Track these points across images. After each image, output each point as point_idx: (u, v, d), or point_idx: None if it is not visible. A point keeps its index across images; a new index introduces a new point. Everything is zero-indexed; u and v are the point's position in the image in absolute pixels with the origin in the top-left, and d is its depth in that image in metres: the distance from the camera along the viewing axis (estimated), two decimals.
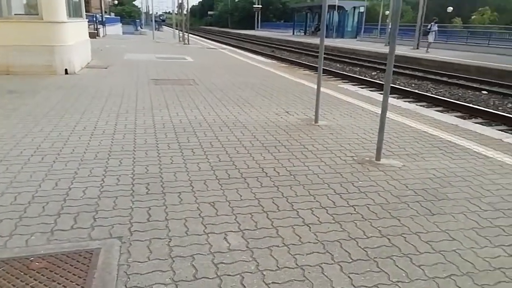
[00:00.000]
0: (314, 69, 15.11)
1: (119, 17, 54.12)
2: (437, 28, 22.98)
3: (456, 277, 2.12)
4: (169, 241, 2.35)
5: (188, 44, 23.12)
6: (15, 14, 8.73)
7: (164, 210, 2.73)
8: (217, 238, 2.41)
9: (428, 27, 22.47)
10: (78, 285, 1.91)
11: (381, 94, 3.92)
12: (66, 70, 8.85)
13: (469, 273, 2.16)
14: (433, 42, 22.54)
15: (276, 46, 30.69)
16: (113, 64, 11.25)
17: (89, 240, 2.32)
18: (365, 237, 2.49)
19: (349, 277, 2.09)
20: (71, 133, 4.44)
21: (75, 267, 2.05)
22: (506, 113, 8.15)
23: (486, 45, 23.59)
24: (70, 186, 3.04)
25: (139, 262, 2.14)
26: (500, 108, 9.35)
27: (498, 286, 2.06)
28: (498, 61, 16.92)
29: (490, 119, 7.73)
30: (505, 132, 6.07)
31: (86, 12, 12.83)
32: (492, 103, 9.98)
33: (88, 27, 14.24)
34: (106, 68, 10.43)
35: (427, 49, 22.08)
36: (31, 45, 8.43)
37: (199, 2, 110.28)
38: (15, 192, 2.91)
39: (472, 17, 40.54)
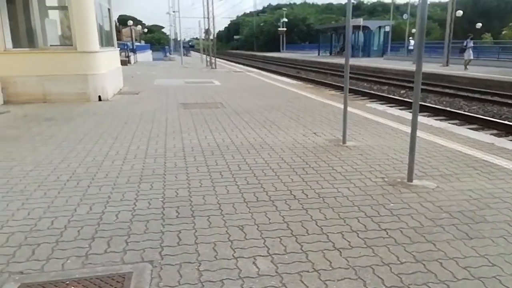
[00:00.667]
0: (341, 89, 15.06)
1: (149, 45, 56.28)
2: (472, 45, 22.35)
3: None
4: (199, 266, 2.36)
5: (215, 68, 23.65)
6: (51, 45, 9.25)
7: (193, 234, 2.75)
8: (246, 262, 2.40)
9: (464, 44, 21.73)
10: None
11: (411, 112, 3.85)
12: (99, 97, 9.22)
13: None
14: (472, 59, 21.84)
15: (302, 67, 30.91)
16: (144, 90, 11.62)
17: (121, 264, 2.36)
18: (398, 262, 2.41)
19: None
20: (104, 158, 4.59)
21: None
22: None
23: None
24: (103, 210, 3.13)
25: (169, 286, 2.15)
26: None
27: None
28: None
29: None
30: None
31: (117, 40, 13.44)
32: None
33: (120, 55, 14.86)
34: (137, 94, 10.79)
35: (465, 67, 21.21)
36: (66, 74, 8.87)
37: (225, 27, 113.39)
38: (52, 217, 3.01)
39: (503, 33, 39.50)
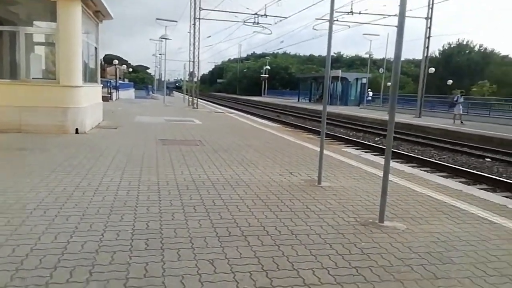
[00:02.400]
0: (318, 133, 15.32)
1: (132, 83, 56.74)
2: (463, 100, 22.30)
3: None
4: None
5: (197, 108, 23.90)
6: (33, 78, 9.24)
7: (161, 266, 2.68)
8: None
9: (455, 99, 21.77)
10: None
11: (384, 158, 3.99)
12: (76, 129, 9.13)
13: None
14: (462, 114, 21.80)
15: (282, 111, 31.58)
16: (123, 125, 11.58)
17: None
18: None
19: None
20: (75, 189, 4.48)
21: None
22: (511, 180, 8.11)
23: (487, 115, 24.11)
24: (69, 240, 3.03)
25: None
26: (504, 175, 9.32)
27: None
28: (499, 131, 17.17)
29: (495, 186, 7.68)
30: (509, 198, 6.01)
31: (101, 77, 13.53)
32: (496, 170, 9.97)
33: (102, 91, 14.90)
34: (115, 128, 10.73)
35: (458, 121, 21.13)
36: (45, 106, 8.80)
37: (209, 71, 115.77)
38: (14, 245, 2.89)
39: (472, 89, 41.82)
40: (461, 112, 21.62)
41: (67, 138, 8.43)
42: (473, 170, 9.29)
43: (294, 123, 20.86)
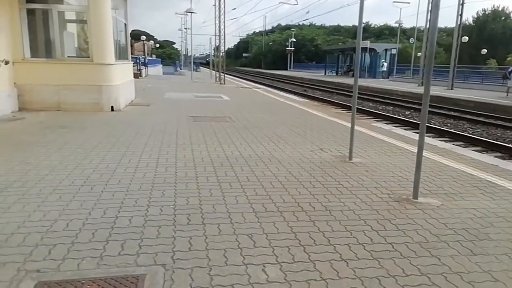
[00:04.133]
0: (347, 107, 15.22)
1: (160, 59, 57.15)
2: None
3: None
4: (210, 270, 2.44)
5: (224, 84, 23.96)
6: (68, 57, 9.52)
7: (204, 240, 2.83)
8: (255, 269, 2.47)
9: (509, 70, 20.61)
10: None
11: (416, 133, 3.97)
12: (112, 107, 9.42)
13: None
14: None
15: (309, 85, 31.20)
16: (155, 102, 11.83)
17: (135, 266, 2.45)
18: (404, 275, 2.48)
19: None
20: (117, 166, 4.71)
21: None
22: None
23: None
24: (117, 215, 3.23)
25: None
26: None
27: None
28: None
29: None
30: None
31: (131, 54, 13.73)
32: None
33: (132, 68, 15.17)
34: (148, 106, 10.98)
35: (507, 94, 20.04)
36: (81, 84, 9.09)
37: (234, 45, 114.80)
38: (67, 219, 3.11)
39: (508, 59, 39.77)
40: None
41: (103, 116, 8.73)
42: (509, 144, 9.01)
43: (321, 97, 20.63)
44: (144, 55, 35.82)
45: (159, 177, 4.29)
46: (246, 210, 3.43)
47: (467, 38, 31.96)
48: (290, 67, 66.15)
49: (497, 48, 44.30)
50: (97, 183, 4.02)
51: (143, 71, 29.88)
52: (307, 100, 16.43)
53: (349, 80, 28.90)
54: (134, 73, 15.19)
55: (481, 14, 51.56)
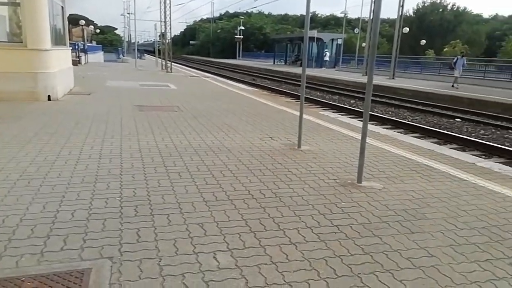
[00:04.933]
0: (295, 96, 15.49)
1: (100, 45, 54.44)
2: (464, 62, 20.95)
3: None
4: (160, 261, 2.39)
5: (171, 72, 23.38)
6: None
7: (153, 231, 2.77)
8: (206, 257, 2.47)
9: (454, 60, 20.83)
10: None
11: (360, 120, 4.14)
12: (49, 96, 8.85)
13: (448, 286, 2.28)
14: (458, 77, 20.46)
15: (258, 74, 31.34)
16: (96, 91, 11.28)
17: (79, 261, 2.34)
18: (349, 254, 2.59)
19: None
20: (56, 158, 4.45)
21: (66, 286, 2.07)
22: (479, 139, 8.53)
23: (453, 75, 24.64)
24: (58, 209, 3.06)
25: (130, 281, 2.17)
26: (473, 134, 9.78)
27: None
28: (468, 91, 17.75)
29: (464, 145, 8.07)
30: (478, 156, 6.39)
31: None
32: (465, 130, 10.43)
33: (71, 55, 14.31)
34: (89, 94, 10.45)
35: (453, 84, 20.15)
36: (14, 72, 8.43)
37: (180, 32, 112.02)
38: (3, 215, 2.90)
39: (444, 50, 42.54)
40: (458, 75, 20.38)
41: (40, 105, 8.18)
42: (444, 130, 9.68)
43: (270, 86, 20.81)
44: (84, 41, 33.95)
45: (103, 169, 4.12)
46: (196, 200, 3.40)
47: (407, 29, 33.62)
48: (239, 56, 65.96)
49: (435, 39, 47.14)
50: (34, 177, 3.77)
51: (83, 58, 28.35)
52: (256, 89, 16.52)
53: (297, 70, 29.42)
54: (72, 60, 14.34)
55: (420, 6, 54.51)
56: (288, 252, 2.57)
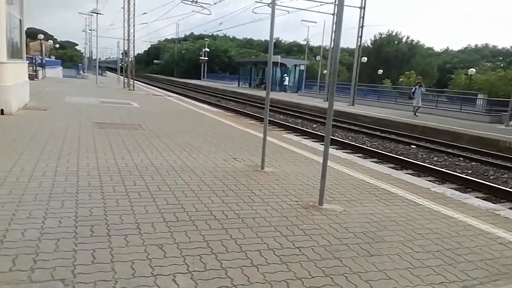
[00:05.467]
0: (259, 119, 15.66)
1: (60, 61, 52.82)
2: (422, 91, 21.04)
3: None
4: (115, 283, 2.29)
5: (133, 90, 22.99)
6: None
7: (109, 252, 2.65)
8: (165, 279, 2.39)
9: (412, 90, 21.09)
10: None
11: (322, 144, 4.24)
12: (2, 110, 8.41)
13: None
14: (420, 106, 20.81)
15: (222, 96, 31.49)
16: (53, 107, 10.87)
17: (29, 283, 2.19)
18: (310, 277, 2.60)
19: None
20: (7, 175, 4.20)
21: None
22: (433, 166, 8.96)
23: (411, 104, 25.93)
24: (7, 228, 2.87)
25: None
26: (427, 161, 10.25)
27: None
28: (422, 119, 18.70)
29: (419, 171, 8.44)
30: (432, 182, 6.69)
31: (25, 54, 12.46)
32: (420, 156, 10.92)
33: (27, 69, 13.78)
34: (45, 110, 10.04)
35: (414, 113, 20.50)
36: None
37: (144, 50, 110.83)
38: None
39: (400, 79, 44.81)
40: (418, 104, 20.67)
41: None
42: (400, 156, 10.10)
43: (235, 108, 20.93)
44: (42, 55, 32.83)
45: (58, 187, 3.93)
46: (156, 220, 3.30)
47: (366, 58, 35.28)
48: (203, 77, 66.07)
49: (391, 69, 49.52)
50: None
51: (40, 72, 27.31)
52: (221, 111, 16.55)
53: (261, 93, 29.85)
54: (29, 74, 13.80)
55: (377, 38, 57.37)
56: (250, 275, 2.54)
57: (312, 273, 2.64)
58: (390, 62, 51.62)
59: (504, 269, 2.96)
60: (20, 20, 10.90)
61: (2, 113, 8.41)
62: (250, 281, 2.46)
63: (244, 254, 2.82)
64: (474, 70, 36.42)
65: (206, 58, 65.15)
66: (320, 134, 12.73)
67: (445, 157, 10.99)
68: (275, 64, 38.54)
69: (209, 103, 21.91)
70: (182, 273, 2.48)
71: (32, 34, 50.77)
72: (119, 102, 14.23)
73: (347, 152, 9.27)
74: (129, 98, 16.28)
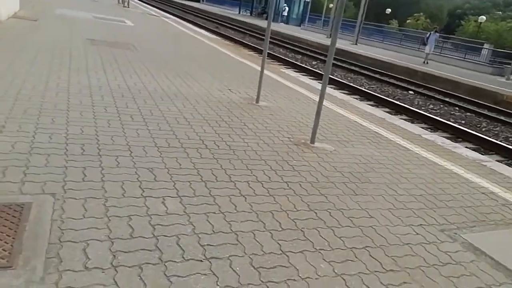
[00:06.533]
0: (258, 51, 15.21)
1: None
2: (436, 37, 19.92)
3: (370, 248, 2.39)
4: (105, 201, 2.34)
5: (129, 7, 21.87)
6: None
7: (100, 172, 2.68)
8: (154, 202, 2.44)
9: (427, 35, 19.87)
10: (9, 236, 1.85)
11: (320, 82, 4.15)
12: None
13: (382, 246, 2.44)
14: (431, 53, 19.98)
15: (221, 22, 30.23)
16: (44, 18, 10.36)
17: (19, 194, 2.23)
18: (295, 210, 2.68)
19: (278, 243, 2.26)
20: None
21: (5, 219, 1.97)
22: (427, 113, 8.96)
23: (417, 49, 25.26)
24: None
25: (73, 218, 2.11)
26: (422, 107, 10.24)
27: (405, 259, 2.36)
28: (423, 65, 18.37)
29: (414, 117, 8.45)
30: (424, 129, 6.73)
31: None
32: (416, 103, 10.89)
33: None
34: (35, 20, 9.58)
35: (425, 60, 19.59)
36: None
37: None
38: None
39: (407, 21, 43.30)
40: (429, 51, 19.68)
41: None
42: (397, 101, 10.04)
43: (234, 37, 20.21)
44: None
45: (49, 103, 3.86)
46: (147, 144, 3.31)
47: None
48: (203, 0, 62.91)
49: (399, 9, 47.55)
50: None
51: None
52: (219, 38, 15.98)
53: (262, 23, 28.67)
54: None
55: None
56: (237, 203, 2.61)
57: (297, 207, 2.72)
58: (399, 1, 49.38)
59: (482, 217, 3.08)
60: None
61: None
62: (237, 209, 2.53)
63: (233, 184, 2.87)
64: (484, 17, 35.14)
65: None
66: (319, 72, 12.50)
67: (441, 105, 10.99)
68: None
69: (207, 29, 21.08)
70: (171, 197, 2.53)
71: None
72: (114, 19, 13.59)
73: (344, 93, 9.17)
74: (123, 16, 15.53)
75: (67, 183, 2.44)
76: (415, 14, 43.97)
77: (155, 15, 20.29)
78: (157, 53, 7.94)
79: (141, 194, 2.49)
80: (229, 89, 5.91)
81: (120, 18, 14.23)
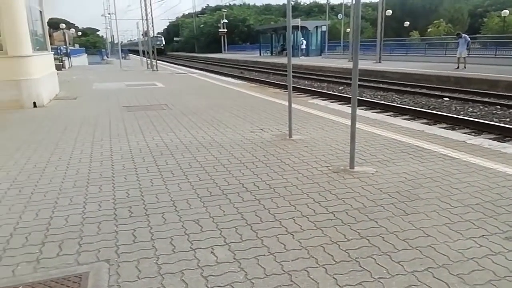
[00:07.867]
0: (284, 87, 15.46)
1: (84, 48, 53.77)
2: (463, 41, 18.58)
3: (433, 269, 2.26)
4: (157, 260, 2.38)
5: (157, 70, 23.16)
6: None
7: (149, 231, 2.76)
8: (204, 253, 2.46)
9: (457, 40, 19.28)
10: None
11: (350, 106, 4.13)
12: (34, 103, 8.72)
13: (445, 264, 2.30)
14: (467, 57, 18.89)
15: (245, 67, 31.21)
16: (82, 95, 11.15)
17: (76, 265, 2.32)
18: (346, 240, 2.60)
19: (334, 278, 2.18)
20: (46, 164, 4.39)
21: None
22: (468, 117, 8.61)
23: (443, 55, 24.73)
24: (51, 215, 3.03)
25: (129, 281, 2.16)
26: (461, 113, 9.86)
27: (472, 275, 2.20)
28: (453, 70, 17.85)
29: (454, 124, 8.13)
30: (468, 134, 6.44)
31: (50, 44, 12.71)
32: (454, 109, 10.50)
33: (54, 59, 14.10)
34: (75, 99, 10.33)
35: (461, 66, 18.56)
36: None
37: (164, 29, 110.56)
38: None
39: (428, 30, 42.63)
40: (465, 55, 18.54)
41: (26, 113, 8.07)
42: (433, 110, 9.75)
43: (258, 78, 20.76)
44: (66, 44, 33.46)
45: (95, 172, 4.08)
46: (190, 197, 3.38)
47: (390, 11, 33.58)
48: (224, 50, 65.51)
49: (418, 20, 47.01)
50: (25, 185, 3.73)
51: (66, 62, 27.94)
52: (245, 82, 16.46)
53: (283, 60, 29.32)
54: (56, 64, 14.14)
55: None
56: (286, 242, 2.57)
57: (348, 236, 2.64)
58: (416, 13, 48.97)
59: None
60: (41, 11, 11.06)
61: (35, 106, 8.72)
62: (286, 248, 2.50)
63: (278, 223, 2.85)
64: (507, 11, 34.04)
65: (225, 30, 64.27)
66: (347, 96, 12.45)
67: (481, 107, 10.53)
68: (295, 28, 37.46)
69: (233, 76, 21.81)
70: (219, 245, 2.55)
71: (54, 24, 51.50)
72: (144, 84, 14.41)
73: (376, 112, 9.05)
74: (153, 79, 16.44)
75: (119, 247, 2.53)
76: (435, 22, 43.28)
77: (182, 73, 21.30)
78: (188, 108, 8.27)
79: (190, 247, 2.52)
80: (261, 129, 6.00)
81: (151, 82, 15.06)
